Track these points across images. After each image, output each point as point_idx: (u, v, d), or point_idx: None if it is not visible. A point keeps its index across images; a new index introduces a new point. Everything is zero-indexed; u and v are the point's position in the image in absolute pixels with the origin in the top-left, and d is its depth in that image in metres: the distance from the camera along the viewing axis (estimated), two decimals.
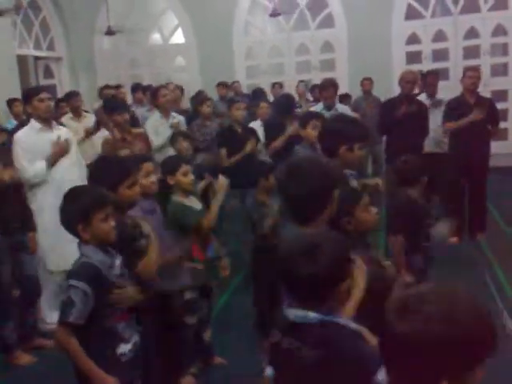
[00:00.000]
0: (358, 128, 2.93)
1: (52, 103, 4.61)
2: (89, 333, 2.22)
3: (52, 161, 4.21)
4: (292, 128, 5.24)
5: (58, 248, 4.07)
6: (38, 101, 4.24)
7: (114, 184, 2.65)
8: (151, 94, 6.21)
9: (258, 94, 8.14)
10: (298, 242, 1.70)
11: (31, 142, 4.21)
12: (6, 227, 3.82)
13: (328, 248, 1.62)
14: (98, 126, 5.55)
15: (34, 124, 4.29)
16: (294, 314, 1.64)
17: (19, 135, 4.28)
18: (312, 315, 1.61)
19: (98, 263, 2.28)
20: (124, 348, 2.34)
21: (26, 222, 4.05)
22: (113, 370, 2.25)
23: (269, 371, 1.80)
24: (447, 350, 1.08)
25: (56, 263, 4.17)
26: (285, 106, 5.69)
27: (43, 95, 4.30)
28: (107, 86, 7.23)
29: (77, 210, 2.28)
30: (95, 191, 2.38)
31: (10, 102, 7.14)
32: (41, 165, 4.17)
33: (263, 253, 3.67)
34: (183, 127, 5.76)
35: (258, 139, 5.53)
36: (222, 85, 8.76)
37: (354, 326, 1.65)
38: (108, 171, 2.74)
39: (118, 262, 2.40)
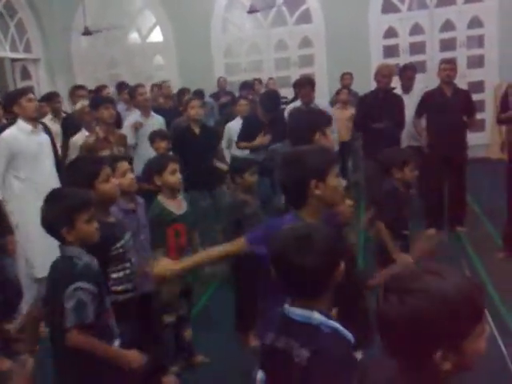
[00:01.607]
0: (322, 114, 3.12)
1: (37, 104, 4.60)
2: (93, 330, 2.24)
3: None
4: (261, 140, 5.35)
5: (43, 254, 4.03)
6: (27, 101, 4.23)
7: (90, 179, 2.63)
8: (129, 93, 6.18)
9: (245, 87, 8.19)
10: (288, 235, 1.69)
11: (21, 144, 4.18)
12: None
13: (319, 238, 1.64)
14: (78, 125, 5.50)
15: (22, 125, 4.25)
16: (298, 313, 1.64)
17: (6, 135, 4.21)
18: (316, 317, 1.61)
19: (92, 264, 2.30)
20: (116, 344, 2.37)
21: (2, 224, 4.00)
22: (110, 367, 2.28)
23: (259, 375, 1.77)
24: (439, 322, 1.14)
25: (43, 269, 4.13)
26: (269, 102, 5.70)
27: (31, 95, 4.31)
28: (80, 87, 7.15)
29: (60, 212, 2.25)
30: (78, 192, 2.36)
31: None
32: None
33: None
34: (162, 126, 5.74)
35: (217, 138, 5.54)
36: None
37: (349, 335, 1.65)
38: (81, 168, 2.73)
39: (96, 261, 2.39)
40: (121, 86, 7.90)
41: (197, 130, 5.31)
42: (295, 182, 2.15)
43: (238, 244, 2.30)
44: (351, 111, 6.89)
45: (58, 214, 2.26)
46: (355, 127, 6.08)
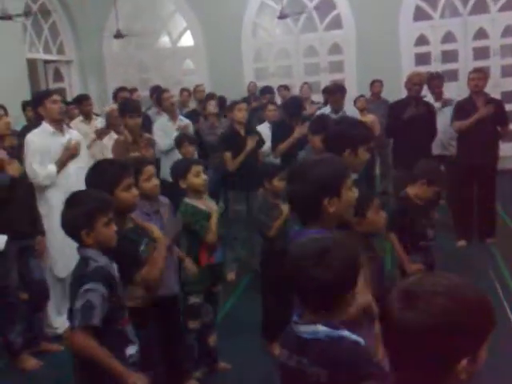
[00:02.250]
0: (362, 131, 2.88)
1: (63, 106, 4.64)
2: (102, 335, 2.22)
3: (61, 163, 4.24)
4: (299, 130, 5.24)
5: (66, 253, 4.06)
6: (51, 102, 4.26)
7: (110, 186, 2.62)
8: (156, 98, 6.21)
9: (265, 92, 8.18)
10: (308, 246, 1.65)
11: (44, 145, 4.22)
12: (15, 231, 3.82)
13: (339, 253, 1.59)
14: (107, 127, 5.57)
15: (46, 127, 4.29)
16: (304, 330, 1.61)
17: (31, 137, 4.26)
18: (321, 330, 1.58)
19: (106, 266, 2.29)
20: (132, 350, 2.35)
21: (35, 225, 4.06)
22: None
23: None
24: (461, 333, 1.11)
25: (64, 268, 4.17)
26: (293, 107, 5.69)
27: (56, 97, 4.33)
28: (122, 89, 7.23)
29: (80, 215, 2.26)
30: (98, 195, 2.36)
31: (24, 106, 7.19)
32: (51, 168, 4.20)
33: (272, 256, 3.68)
34: (191, 130, 5.79)
35: (261, 140, 5.51)
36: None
37: (359, 340, 1.61)
38: (103, 174, 2.72)
39: (115, 265, 2.40)
40: (154, 91, 7.95)
41: (242, 132, 5.36)
42: (305, 200, 1.99)
43: None
44: (370, 118, 6.79)
45: (77, 217, 2.27)
46: (386, 133, 6.01)
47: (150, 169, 3.19)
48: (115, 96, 6.96)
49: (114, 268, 2.38)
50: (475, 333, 1.14)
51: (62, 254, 4.17)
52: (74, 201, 2.35)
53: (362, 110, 7.33)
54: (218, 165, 5.65)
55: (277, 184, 3.87)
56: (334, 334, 1.58)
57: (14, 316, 3.88)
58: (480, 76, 5.61)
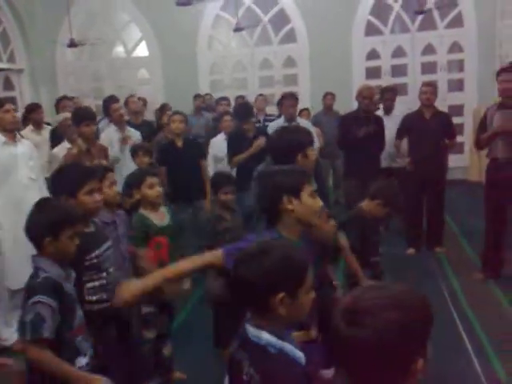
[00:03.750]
0: (304, 133, 3.08)
1: (18, 115, 4.54)
2: (51, 347, 2.19)
3: None
4: (257, 143, 5.32)
5: (17, 266, 3.99)
6: (3, 112, 4.17)
7: (73, 189, 2.63)
8: (103, 109, 6.10)
9: (221, 101, 8.16)
10: (249, 248, 1.69)
11: None
12: None
13: (273, 256, 1.59)
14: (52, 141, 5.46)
15: None
16: (251, 331, 1.63)
17: None
18: (264, 337, 1.59)
19: (56, 277, 2.26)
20: (82, 361, 2.32)
21: None
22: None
23: (226, 381, 1.78)
24: (411, 337, 1.16)
25: (16, 280, 4.07)
26: (243, 111, 5.80)
27: (8, 106, 4.24)
28: (65, 97, 7.12)
29: (48, 222, 2.25)
30: (69, 207, 2.37)
31: None
32: None
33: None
34: (137, 141, 5.69)
35: (200, 151, 5.58)
36: (197, 96, 8.80)
37: (299, 356, 1.63)
38: (67, 177, 2.73)
39: (73, 274, 2.39)
40: (107, 100, 7.83)
41: (180, 144, 5.35)
42: (268, 197, 2.23)
43: (215, 255, 2.24)
44: (317, 131, 6.89)
45: (45, 223, 2.25)
46: (338, 146, 6.14)
47: (112, 175, 3.23)
48: (57, 105, 6.85)
49: (70, 278, 2.36)
50: (423, 333, 1.20)
51: (13, 264, 4.09)
52: (44, 207, 2.33)
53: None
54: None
55: (222, 197, 3.90)
56: (276, 346, 1.59)
57: None
58: (431, 89, 5.80)
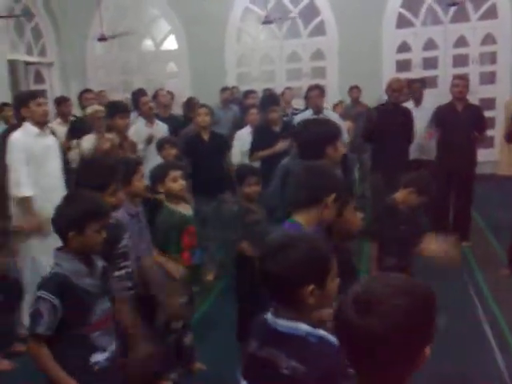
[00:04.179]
0: (334, 126, 3.07)
1: (48, 108, 4.61)
2: (61, 342, 2.20)
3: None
4: (281, 145, 5.27)
5: (45, 257, 4.04)
6: (35, 105, 4.22)
7: (103, 185, 2.69)
8: (133, 102, 6.14)
9: (248, 95, 8.14)
10: (272, 240, 1.70)
11: (28, 146, 4.19)
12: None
13: (300, 249, 1.59)
14: (71, 133, 5.52)
15: (29, 128, 4.24)
16: (282, 324, 1.61)
17: (16, 137, 4.22)
18: (302, 328, 1.58)
19: (69, 272, 2.24)
20: (99, 357, 2.30)
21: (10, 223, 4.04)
22: (84, 379, 2.22)
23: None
24: (421, 324, 1.17)
25: (44, 273, 4.12)
26: (268, 100, 5.80)
27: (41, 100, 4.31)
28: (87, 90, 7.19)
29: (73, 216, 2.24)
30: (96, 201, 2.35)
31: (0, 106, 7.15)
32: (28, 192, 4.14)
33: (246, 260, 3.68)
34: (165, 134, 5.72)
35: (226, 145, 5.56)
36: (224, 89, 8.76)
37: (336, 341, 1.57)
38: (98, 172, 2.78)
39: (99, 266, 2.38)
40: (137, 94, 7.89)
41: (206, 137, 5.35)
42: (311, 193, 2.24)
43: None
44: (347, 124, 6.83)
45: (70, 217, 2.24)
46: (364, 139, 6.06)
47: (142, 169, 3.34)
48: (80, 98, 6.91)
49: (94, 273, 2.33)
50: (430, 320, 1.20)
51: (42, 254, 4.14)
52: (72, 200, 2.33)
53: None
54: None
55: (247, 189, 3.89)
56: (316, 335, 1.58)
57: None
58: (463, 83, 5.72)
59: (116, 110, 4.92)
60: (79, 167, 2.85)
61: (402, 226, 3.57)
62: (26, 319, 4.21)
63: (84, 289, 2.26)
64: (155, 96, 6.88)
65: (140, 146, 5.41)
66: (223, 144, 5.53)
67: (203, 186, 5.15)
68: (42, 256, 4.19)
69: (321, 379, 1.54)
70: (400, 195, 3.58)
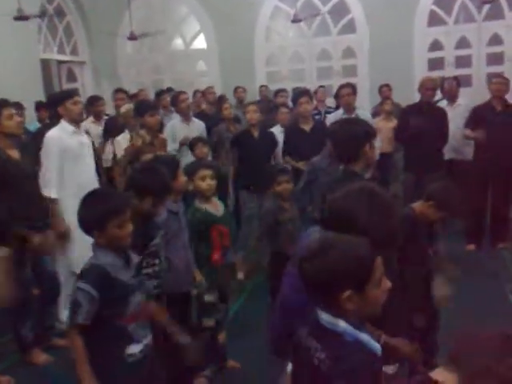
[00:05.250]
0: (366, 124, 3.02)
1: (82, 107, 4.69)
2: (99, 333, 2.25)
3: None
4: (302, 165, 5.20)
5: (80, 250, 4.09)
6: (71, 103, 4.32)
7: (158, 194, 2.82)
8: (171, 100, 6.26)
9: (279, 93, 8.14)
10: (312, 242, 1.69)
11: (64, 143, 4.27)
12: (32, 224, 3.85)
13: (337, 254, 1.56)
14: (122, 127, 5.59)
15: (65, 126, 4.35)
16: (325, 318, 1.62)
17: (52, 135, 4.31)
18: (341, 325, 1.59)
19: (108, 266, 2.30)
20: (134, 349, 2.36)
21: (47, 219, 4.09)
22: (118, 370, 2.28)
23: (289, 367, 1.81)
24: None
25: (79, 266, 4.17)
26: (299, 92, 5.84)
27: (77, 98, 4.42)
28: (119, 90, 7.31)
29: (92, 217, 2.31)
30: (111, 198, 2.39)
31: (38, 106, 7.25)
32: (53, 193, 4.20)
33: (280, 259, 3.67)
34: (203, 132, 5.82)
35: (275, 143, 5.52)
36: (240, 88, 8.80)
37: (376, 347, 1.61)
38: (153, 180, 2.85)
39: (135, 259, 2.45)
40: (160, 93, 7.99)
41: (255, 134, 5.35)
42: None
43: None
44: (395, 122, 6.76)
45: (90, 217, 2.32)
46: (396, 139, 5.98)
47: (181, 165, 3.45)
48: (114, 97, 7.02)
49: (129, 266, 2.39)
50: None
51: (74, 249, 4.19)
52: (88, 201, 2.37)
53: (388, 114, 7.21)
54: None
55: (277, 188, 3.89)
56: (353, 334, 1.58)
57: (26, 311, 3.90)
58: (503, 81, 5.62)
59: (145, 108, 4.97)
60: (135, 173, 2.94)
61: (419, 240, 3.24)
62: (61, 313, 4.31)
63: (120, 281, 2.32)
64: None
65: (173, 146, 5.46)
66: (272, 141, 5.53)
67: (250, 182, 5.19)
68: (73, 255, 4.26)
69: (341, 378, 1.53)
70: (419, 206, 3.26)
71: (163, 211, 3.01)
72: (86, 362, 2.22)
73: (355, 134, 2.89)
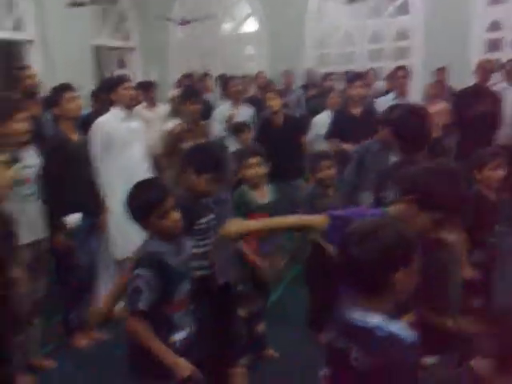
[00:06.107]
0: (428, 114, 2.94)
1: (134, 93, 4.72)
2: (146, 319, 2.26)
3: None
4: (348, 146, 5.05)
5: (123, 237, 4.14)
6: (123, 89, 4.38)
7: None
8: (221, 85, 6.29)
9: (327, 77, 8.03)
10: (357, 226, 1.68)
11: (113, 129, 4.32)
12: (87, 208, 3.92)
13: (388, 233, 1.59)
14: (171, 113, 5.63)
15: (117, 112, 4.41)
16: (356, 316, 1.62)
17: (101, 121, 4.36)
18: (372, 320, 1.58)
19: (161, 253, 2.32)
20: (178, 336, 2.38)
21: (99, 203, 4.14)
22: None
23: (324, 371, 1.79)
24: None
25: (121, 252, 4.23)
26: (352, 74, 5.79)
27: (128, 84, 4.46)
28: (187, 75, 7.44)
29: (134, 210, 2.34)
30: (150, 190, 2.38)
31: (94, 93, 7.33)
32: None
33: (318, 248, 3.61)
34: (251, 118, 5.80)
35: (301, 129, 5.43)
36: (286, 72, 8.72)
37: (410, 337, 1.58)
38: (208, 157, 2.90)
39: (188, 245, 2.49)
40: (201, 78, 8.09)
41: (279, 121, 5.25)
42: None
43: (318, 218, 2.16)
44: (441, 106, 6.50)
45: (133, 210, 2.35)
46: (453, 124, 5.77)
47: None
48: (179, 82, 7.12)
49: (181, 252, 2.42)
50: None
51: (120, 235, 4.24)
52: (132, 193, 2.39)
53: (434, 97, 6.96)
54: None
55: (319, 175, 3.79)
56: (385, 329, 1.57)
57: (76, 295, 3.98)
58: None
59: (187, 95, 4.96)
60: (189, 152, 3.00)
61: (489, 214, 3.36)
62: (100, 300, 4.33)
63: (173, 267, 2.34)
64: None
65: (220, 127, 5.46)
66: (298, 127, 5.41)
67: (278, 171, 5.09)
68: (118, 241, 4.30)
69: (385, 374, 1.53)
70: (480, 175, 3.36)
71: (217, 192, 2.98)
72: (159, 343, 2.24)
73: (421, 126, 2.82)
